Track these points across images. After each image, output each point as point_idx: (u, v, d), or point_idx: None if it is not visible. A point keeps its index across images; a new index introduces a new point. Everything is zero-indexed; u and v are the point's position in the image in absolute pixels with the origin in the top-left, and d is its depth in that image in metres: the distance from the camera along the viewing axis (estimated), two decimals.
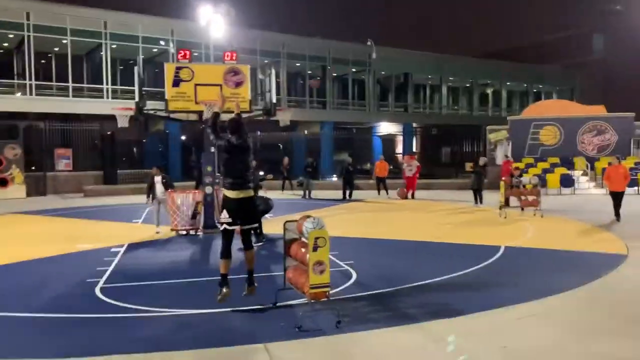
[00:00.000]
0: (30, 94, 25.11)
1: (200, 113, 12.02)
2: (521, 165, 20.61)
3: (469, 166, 16.49)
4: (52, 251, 9.65)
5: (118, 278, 7.54)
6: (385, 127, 37.18)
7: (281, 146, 32.06)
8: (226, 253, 5.87)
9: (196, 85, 11.38)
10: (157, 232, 11.52)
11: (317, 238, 5.06)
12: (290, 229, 5.91)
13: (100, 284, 7.14)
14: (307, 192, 20.06)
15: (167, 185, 12.07)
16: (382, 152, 33.05)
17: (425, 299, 6.30)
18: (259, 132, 27.76)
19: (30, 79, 25.09)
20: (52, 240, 11.00)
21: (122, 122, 11.99)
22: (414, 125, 37.11)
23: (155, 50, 28.57)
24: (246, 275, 6.00)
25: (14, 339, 5.20)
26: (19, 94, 25.48)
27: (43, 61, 27.25)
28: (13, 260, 8.88)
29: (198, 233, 11.75)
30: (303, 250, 5.40)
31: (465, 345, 4.76)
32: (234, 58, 11.70)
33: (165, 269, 8.32)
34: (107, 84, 26.63)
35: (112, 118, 25.56)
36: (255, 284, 5.95)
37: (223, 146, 5.91)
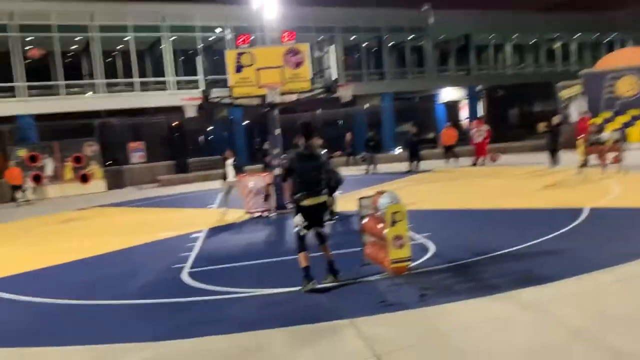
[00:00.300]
0: (100, 92, 26.29)
1: (263, 97, 12.16)
2: (598, 120, 19.45)
3: (542, 126, 15.74)
4: (137, 241, 10.15)
5: (201, 262, 7.83)
6: (448, 93, 36.09)
7: (340, 122, 31.97)
8: (302, 247, 5.87)
9: (258, 69, 11.47)
10: (224, 214, 12.03)
11: (394, 213, 5.02)
12: (364, 205, 5.89)
13: (186, 269, 7.44)
14: (371, 167, 19.92)
15: (237, 169, 12.53)
16: (445, 119, 32.26)
17: (510, 267, 6.12)
18: (319, 110, 27.85)
19: (98, 78, 26.24)
20: (135, 230, 11.59)
21: (191, 112, 12.31)
22: (478, 88, 35.81)
23: (212, 38, 29.04)
24: (327, 265, 5.93)
25: (108, 325, 5.52)
26: (89, 94, 26.75)
27: (109, 59, 28.38)
28: (101, 252, 9.41)
29: (271, 215, 11.99)
30: (380, 225, 5.38)
31: (559, 312, 4.59)
32: (292, 38, 11.68)
33: (245, 251, 8.55)
34: (170, 76, 27.42)
35: (178, 109, 26.37)
36: (340, 273, 5.86)
37: (289, 162, 5.94)
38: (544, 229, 7.70)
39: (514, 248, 6.88)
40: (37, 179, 21.16)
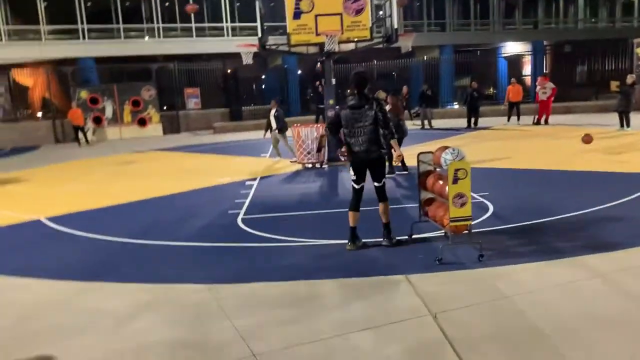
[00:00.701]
0: (158, 36, 26.50)
1: (321, 45, 11.88)
2: None
3: (614, 85, 14.76)
4: (192, 185, 10.35)
5: (256, 210, 7.90)
6: (512, 47, 34.40)
7: (395, 74, 31.11)
8: (352, 203, 5.69)
9: (317, 15, 11.17)
10: (276, 163, 12.46)
11: (457, 170, 4.81)
12: (424, 160, 5.70)
13: (241, 215, 7.54)
14: (425, 121, 19.39)
15: (277, 120, 12.60)
16: (507, 74, 30.84)
17: (575, 232, 5.85)
18: (375, 61, 27.17)
19: (157, 23, 26.41)
20: (191, 175, 11.80)
21: (247, 59, 12.22)
22: (545, 43, 33.90)
23: None
24: (382, 228, 5.70)
25: (164, 265, 5.66)
26: (147, 38, 27.01)
27: (167, 4, 28.42)
28: (158, 194, 9.66)
29: (323, 166, 11.95)
30: (441, 182, 5.19)
31: (627, 282, 4.36)
32: None
33: (299, 200, 8.57)
34: (226, 22, 27.27)
35: (233, 56, 26.36)
36: (394, 240, 5.65)
37: (337, 114, 5.68)
38: (610, 193, 7.32)
39: (579, 212, 6.58)
40: (97, 120, 21.86)
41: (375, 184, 5.56)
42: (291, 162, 12.43)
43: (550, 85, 17.56)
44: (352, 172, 5.61)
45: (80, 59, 24.70)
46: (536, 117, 17.93)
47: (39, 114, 26.42)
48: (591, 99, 23.44)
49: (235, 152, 15.67)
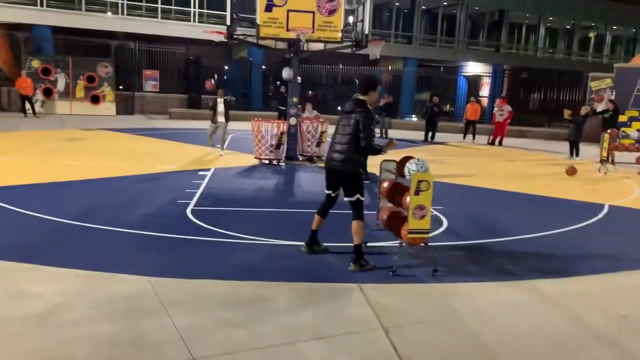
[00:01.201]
0: (122, 13, 25.54)
1: (289, 41, 11.69)
2: (624, 118, 18.90)
3: (567, 114, 15.23)
4: (142, 169, 9.93)
5: (207, 202, 7.61)
6: (473, 67, 35.23)
7: (357, 81, 31.19)
8: (320, 209, 5.38)
9: (289, 11, 10.96)
10: (212, 152, 12.37)
11: (420, 181, 4.72)
12: (387, 168, 5.59)
13: (191, 206, 7.22)
14: (383, 130, 19.46)
15: (229, 106, 12.37)
16: (466, 93, 31.52)
17: (528, 255, 5.87)
18: (340, 65, 27.17)
19: None
20: (142, 159, 11.33)
21: (236, 49, 11.85)
22: (505, 67, 34.89)
23: None
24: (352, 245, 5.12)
25: (103, 251, 5.31)
26: (109, 14, 25.99)
27: None
28: (104, 175, 9.21)
29: (280, 163, 11.74)
30: (402, 192, 5.09)
31: (578, 309, 4.37)
32: None
33: (253, 196, 8.32)
34: (194, 7, 26.59)
35: (197, 42, 25.75)
36: (365, 265, 5.01)
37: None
38: (561, 219, 7.44)
39: (532, 235, 6.64)
40: (48, 92, 20.81)
41: (345, 198, 5.13)
42: (220, 155, 12.31)
43: (507, 108, 17.98)
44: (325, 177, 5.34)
45: (35, 26, 23.48)
46: (491, 137, 18.32)
47: None
48: (544, 126, 24.19)
49: (190, 139, 15.20)
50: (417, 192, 4.71)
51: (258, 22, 11.06)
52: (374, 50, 12.53)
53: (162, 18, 26.26)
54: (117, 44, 22.99)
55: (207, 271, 4.82)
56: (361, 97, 5.01)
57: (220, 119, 12.40)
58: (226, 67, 29.94)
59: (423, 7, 32.66)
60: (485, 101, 32.71)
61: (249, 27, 12.91)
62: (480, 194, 9.54)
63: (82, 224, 6.17)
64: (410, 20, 32.54)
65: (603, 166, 12.53)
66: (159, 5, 26.12)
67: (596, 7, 36.70)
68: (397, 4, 32.50)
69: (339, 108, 5.26)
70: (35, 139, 13.61)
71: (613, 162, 12.80)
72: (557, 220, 7.36)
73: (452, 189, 9.81)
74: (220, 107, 12.34)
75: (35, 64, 20.61)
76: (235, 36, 11.97)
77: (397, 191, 5.21)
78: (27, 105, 19.21)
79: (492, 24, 35.50)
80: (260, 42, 12.26)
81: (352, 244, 5.05)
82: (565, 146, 15.63)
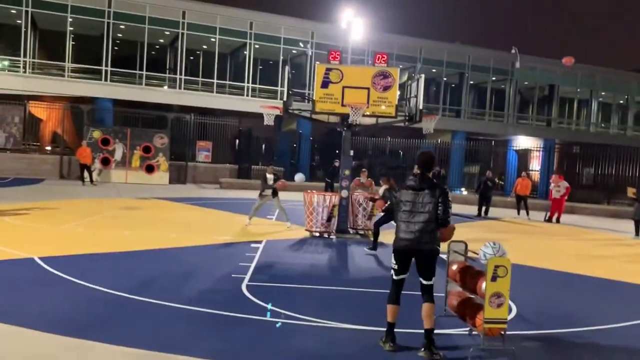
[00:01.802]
0: (179, 87, 26.84)
1: (343, 115, 11.83)
2: None
3: (631, 192, 14.59)
4: (195, 240, 9.92)
5: (262, 277, 7.42)
6: (523, 141, 34.79)
7: (402, 152, 31.18)
8: (391, 296, 4.98)
9: (344, 87, 11.13)
10: (247, 224, 12.17)
11: (497, 266, 4.41)
12: (455, 249, 5.30)
13: (246, 281, 7.04)
14: None
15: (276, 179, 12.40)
16: (516, 167, 30.94)
17: (611, 348, 5.34)
18: (388, 138, 27.34)
19: (180, 74, 26.82)
20: (194, 229, 11.37)
21: (268, 120, 12.12)
22: (557, 141, 34.29)
23: (294, 51, 29.21)
24: (422, 331, 4.81)
25: (159, 328, 5.15)
26: (165, 87, 27.33)
27: (191, 57, 29.04)
28: (160, 246, 9.21)
29: (331, 237, 11.54)
30: (476, 277, 4.77)
31: None
32: (384, 61, 11.29)
33: (307, 272, 8.09)
34: (248, 82, 27.71)
35: (248, 115, 26.58)
36: (437, 354, 4.65)
37: (397, 194, 5.09)
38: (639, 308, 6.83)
39: (611, 325, 6.07)
40: (105, 161, 21.64)
41: (422, 280, 4.86)
42: (288, 227, 12.10)
43: (564, 184, 17.39)
44: (393, 260, 5.00)
45: (98, 98, 24.90)
46: (548, 214, 17.64)
47: (48, 148, 26.32)
48: (601, 202, 23.19)
49: (240, 210, 15.24)
50: (494, 278, 4.39)
51: (314, 97, 11.24)
52: (428, 125, 12.49)
53: (217, 92, 27.44)
54: (174, 116, 23.94)
55: (264, 355, 4.56)
56: (429, 175, 4.92)
57: (268, 192, 12.30)
58: (274, 138, 30.67)
59: (471, 82, 32.95)
60: (536, 175, 31.96)
61: (296, 102, 13.14)
62: (548, 276, 8.97)
63: (138, 297, 6.06)
64: (458, 94, 32.82)
65: None
66: (215, 80, 27.36)
67: None
68: (445, 79, 32.93)
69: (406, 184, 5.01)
70: (93, 207, 13.96)
71: None
72: (635, 309, 6.76)
73: (517, 270, 9.20)
74: (270, 182, 12.30)
75: (96, 134, 21.60)
76: (290, 110, 12.19)
77: (469, 275, 4.89)
78: (85, 174, 19.96)
79: (542, 99, 35.33)
80: (313, 116, 12.47)
81: (409, 330, 4.70)
82: (625, 225, 14.82)
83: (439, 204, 4.77)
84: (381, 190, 11.82)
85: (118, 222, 11.80)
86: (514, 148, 34.31)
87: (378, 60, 11.32)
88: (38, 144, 26.40)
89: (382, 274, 8.20)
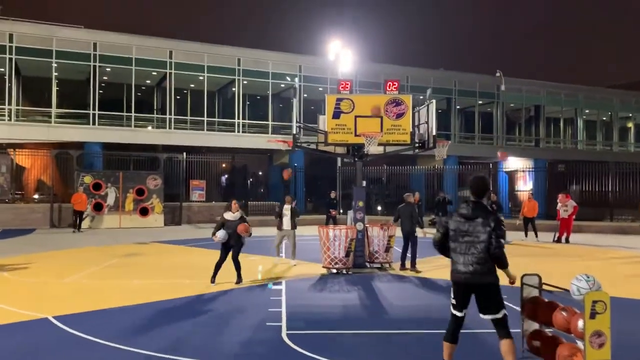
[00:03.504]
0: (169, 127, 26.40)
1: (350, 146, 11.54)
2: None
3: None
4: (210, 286, 9.40)
5: (300, 324, 6.88)
6: (513, 162, 34.91)
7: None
8: (448, 334, 4.68)
9: (356, 117, 10.84)
10: (279, 263, 11.70)
11: (595, 302, 4.01)
12: (529, 283, 4.89)
13: (284, 330, 6.52)
14: None
15: (296, 213, 11.88)
16: (507, 188, 30.95)
17: None
18: (385, 166, 27.11)
19: (169, 114, 26.43)
20: (205, 274, 10.61)
21: (279, 155, 11.71)
22: (548, 160, 34.49)
23: (282, 85, 29.11)
24: None
25: None
26: (149, 128, 26.86)
27: (178, 97, 28.74)
28: (175, 295, 8.62)
29: (349, 272, 11.04)
30: (564, 314, 4.35)
31: None
32: (395, 88, 11.06)
33: (344, 314, 7.58)
34: (238, 118, 27.40)
35: (241, 151, 26.19)
36: None
37: (447, 222, 4.76)
38: None
39: None
40: (98, 207, 20.93)
41: (486, 316, 4.48)
42: (293, 265, 11.58)
43: (572, 203, 17.22)
44: (452, 294, 4.66)
45: (87, 143, 24.31)
46: (557, 234, 17.40)
47: (35, 196, 25.53)
48: (604, 220, 23.03)
49: (245, 249, 14.66)
50: (592, 315, 3.98)
51: (326, 129, 10.92)
52: (441, 151, 12.22)
53: (207, 130, 27.06)
54: (166, 157, 23.43)
55: None
56: (481, 201, 4.63)
57: (287, 226, 11.91)
58: (269, 173, 30.25)
59: (458, 107, 33.16)
60: (522, 195, 31.98)
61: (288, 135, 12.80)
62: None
63: (170, 356, 5.50)
64: (447, 119, 32.92)
65: None
66: (205, 118, 27.02)
67: (632, 97, 36.80)
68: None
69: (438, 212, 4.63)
70: (93, 256, 13.29)
71: None
72: None
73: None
74: (287, 214, 11.89)
75: (88, 179, 20.94)
76: (299, 144, 11.85)
77: (557, 312, 4.47)
78: (78, 221, 19.25)
79: (528, 119, 35.69)
80: (320, 147, 12.17)
81: None
82: (630, 240, 14.59)
83: (492, 234, 4.43)
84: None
85: (124, 271, 11.17)
86: (504, 170, 34.40)
87: (389, 87, 11.09)
88: (22, 192, 25.60)
89: (422, 311, 7.75)
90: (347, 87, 11.05)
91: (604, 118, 37.59)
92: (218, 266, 9.70)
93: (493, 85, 32.58)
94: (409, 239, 11.38)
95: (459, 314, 4.61)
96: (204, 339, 6.21)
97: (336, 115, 10.85)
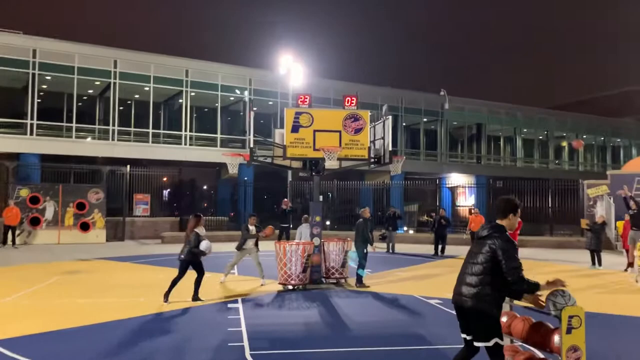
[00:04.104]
0: (112, 139, 25.46)
1: (308, 160, 11.48)
2: (621, 224, 18.93)
3: (584, 223, 15.18)
4: (164, 305, 8.98)
5: (262, 343, 6.66)
6: (456, 179, 35.97)
7: (330, 195, 31.20)
8: (456, 357, 4.48)
9: (315, 131, 10.79)
10: (222, 281, 11.40)
11: (571, 317, 4.06)
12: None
13: (248, 350, 6.28)
14: (390, 245, 18.94)
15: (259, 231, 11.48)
16: (450, 203, 31.78)
17: None
18: (335, 180, 27.18)
19: (112, 125, 25.50)
20: (155, 292, 10.19)
21: (232, 169, 11.46)
22: (488, 177, 35.75)
23: (232, 98, 28.78)
24: None
25: None
26: (89, 139, 25.83)
27: (122, 108, 27.81)
28: (128, 315, 8.19)
29: (307, 288, 10.88)
30: (541, 330, 4.39)
31: None
32: (354, 103, 11.11)
33: (305, 332, 7.41)
34: (186, 130, 26.80)
35: (187, 165, 25.59)
36: None
37: None
38: None
39: None
40: (35, 222, 19.79)
41: (475, 342, 4.24)
42: (262, 285, 11.18)
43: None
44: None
45: (23, 154, 23.05)
46: None
47: None
48: (544, 234, 23.98)
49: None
50: (569, 330, 4.03)
51: (285, 143, 10.79)
52: (396, 166, 12.37)
53: (152, 142, 26.29)
54: (109, 169, 22.52)
55: None
56: (499, 222, 4.43)
57: (251, 245, 11.41)
58: (216, 188, 29.69)
59: (404, 124, 33.86)
60: (464, 210, 32.98)
61: (239, 148, 12.65)
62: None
63: None
64: (394, 136, 33.51)
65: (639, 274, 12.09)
66: (150, 130, 26.27)
67: (566, 118, 38.83)
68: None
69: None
70: (32, 274, 12.49)
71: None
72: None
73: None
74: (253, 232, 11.39)
75: (24, 192, 19.79)
76: (255, 157, 11.65)
77: (532, 329, 4.50)
78: (10, 237, 18.11)
79: (470, 137, 36.95)
80: (275, 161, 12.06)
81: None
82: (572, 255, 15.25)
83: (501, 258, 4.15)
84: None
85: (67, 290, 10.51)
86: (447, 185, 35.35)
87: (348, 102, 11.12)
88: None
89: (386, 327, 7.67)
90: (305, 101, 10.99)
91: (541, 137, 39.44)
92: (174, 284, 9.28)
93: (438, 103, 33.53)
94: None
95: (463, 335, 4.39)
96: None
97: (295, 129, 10.76)
